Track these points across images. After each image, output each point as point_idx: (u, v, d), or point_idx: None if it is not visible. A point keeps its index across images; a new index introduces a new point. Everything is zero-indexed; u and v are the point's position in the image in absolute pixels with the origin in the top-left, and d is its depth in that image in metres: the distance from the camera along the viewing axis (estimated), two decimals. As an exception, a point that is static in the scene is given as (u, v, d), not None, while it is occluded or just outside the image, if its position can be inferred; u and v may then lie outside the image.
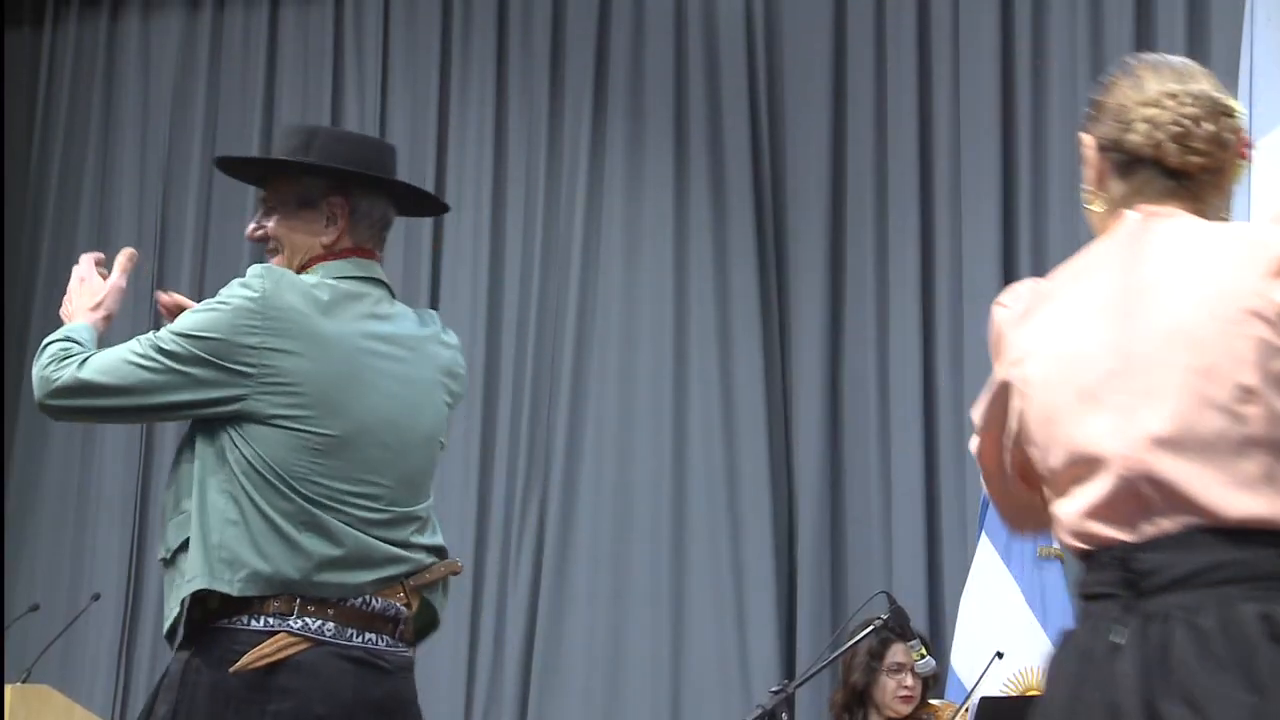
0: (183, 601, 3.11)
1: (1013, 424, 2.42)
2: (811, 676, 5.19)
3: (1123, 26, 6.68)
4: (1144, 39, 6.67)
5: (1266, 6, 5.93)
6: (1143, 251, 2.37)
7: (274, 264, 3.29)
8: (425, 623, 3.32)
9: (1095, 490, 2.28)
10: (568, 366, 7.26)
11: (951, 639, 6.11)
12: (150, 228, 7.88)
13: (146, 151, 7.97)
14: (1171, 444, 2.24)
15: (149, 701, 3.22)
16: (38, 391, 3.26)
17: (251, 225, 3.40)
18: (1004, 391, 2.43)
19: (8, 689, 5.37)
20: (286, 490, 3.09)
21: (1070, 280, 2.44)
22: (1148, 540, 2.24)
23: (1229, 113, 2.42)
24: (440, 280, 7.51)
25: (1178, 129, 2.39)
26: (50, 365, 3.25)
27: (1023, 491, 2.47)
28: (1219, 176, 2.43)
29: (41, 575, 7.58)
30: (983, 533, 6.06)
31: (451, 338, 3.42)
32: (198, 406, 3.15)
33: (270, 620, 3.08)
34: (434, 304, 7.46)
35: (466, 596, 7.14)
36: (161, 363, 3.15)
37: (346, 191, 3.32)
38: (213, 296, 3.24)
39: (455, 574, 3.33)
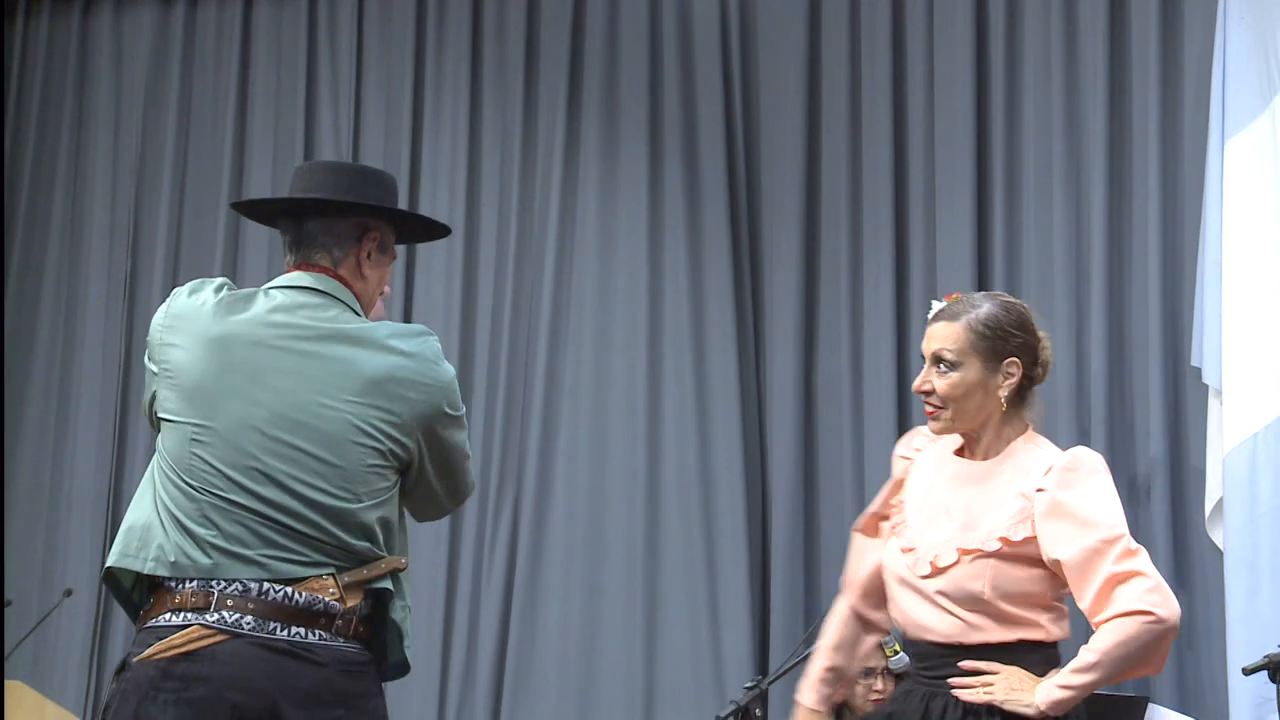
0: (106, 584, 3.35)
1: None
2: (784, 673, 5.20)
3: (1096, 26, 6.69)
4: (1117, 39, 6.69)
5: (1239, 6, 5.95)
6: None
7: None
8: (382, 621, 3.38)
9: None
10: (541, 365, 7.26)
11: (924, 637, 6.12)
12: (123, 222, 7.86)
13: (119, 146, 7.94)
14: None
15: None
16: None
17: None
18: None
19: (-21, 685, 5.36)
20: (178, 480, 3.27)
21: None
22: None
23: None
24: (414, 278, 7.50)
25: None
26: None
27: None
28: None
29: (13, 571, 7.55)
30: (956, 530, 6.07)
31: (408, 345, 3.42)
32: (152, 405, 3.41)
33: (188, 615, 3.21)
34: (407, 302, 7.45)
35: (440, 594, 7.14)
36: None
37: (273, 221, 3.58)
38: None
39: (399, 570, 3.37)
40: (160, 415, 3.33)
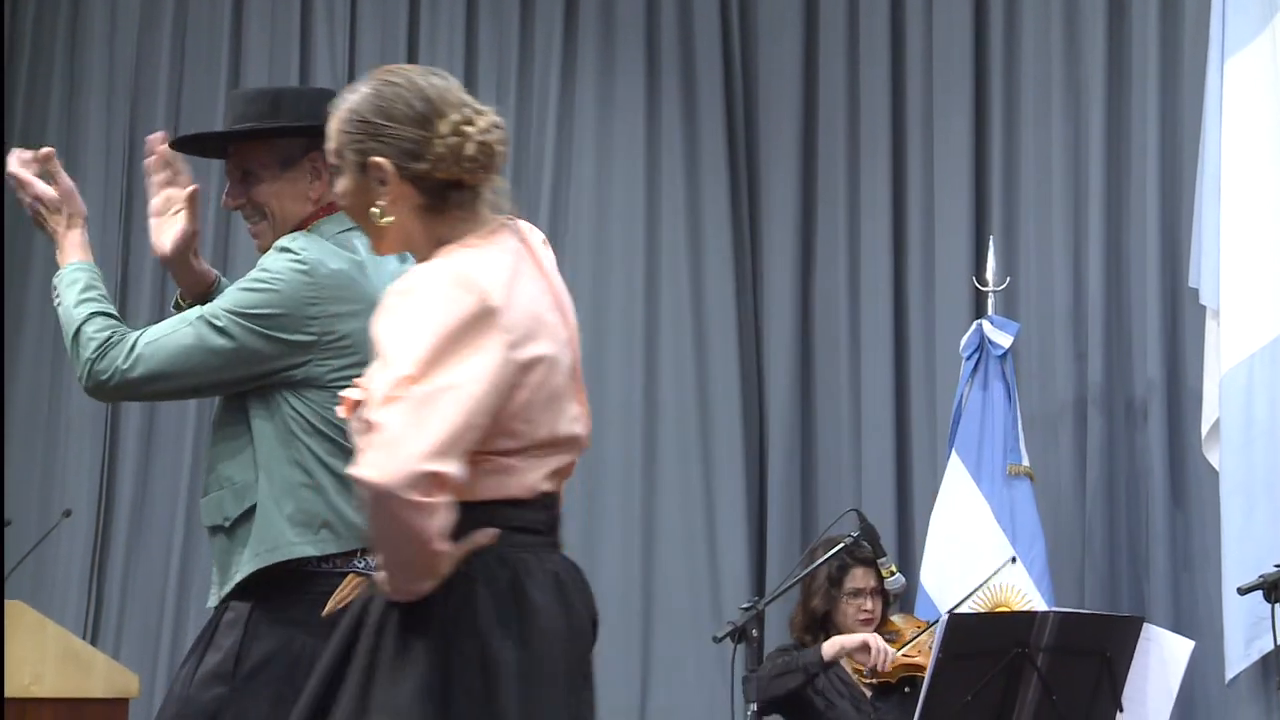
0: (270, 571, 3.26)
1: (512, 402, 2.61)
2: (781, 594, 5.21)
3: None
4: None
5: (1239, -77, 5.90)
6: None
7: (261, 229, 3.42)
8: None
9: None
10: (539, 286, 7.24)
11: (921, 557, 6.14)
12: (119, 145, 7.80)
13: (114, 67, 7.85)
14: None
15: (201, 644, 3.33)
16: (87, 383, 3.29)
17: (227, 196, 3.49)
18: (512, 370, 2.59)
19: (-21, 605, 5.37)
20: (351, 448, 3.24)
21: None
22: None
23: None
24: (411, 199, 7.47)
25: None
26: (96, 356, 3.27)
27: None
28: None
29: (11, 491, 7.55)
30: (953, 450, 6.09)
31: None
32: (257, 379, 3.26)
33: (338, 561, 3.26)
34: (404, 222, 7.42)
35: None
36: (218, 344, 3.24)
37: (321, 147, 3.36)
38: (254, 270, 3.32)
39: None
40: (326, 384, 3.25)
